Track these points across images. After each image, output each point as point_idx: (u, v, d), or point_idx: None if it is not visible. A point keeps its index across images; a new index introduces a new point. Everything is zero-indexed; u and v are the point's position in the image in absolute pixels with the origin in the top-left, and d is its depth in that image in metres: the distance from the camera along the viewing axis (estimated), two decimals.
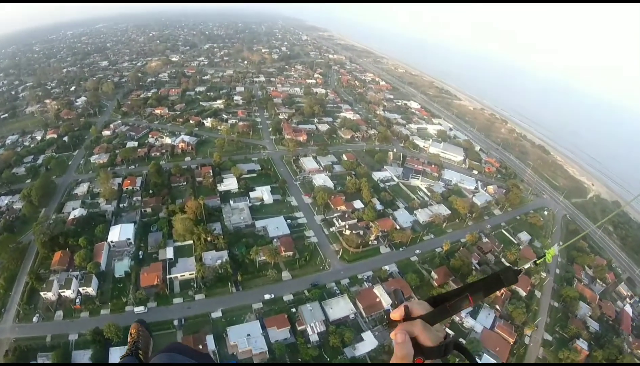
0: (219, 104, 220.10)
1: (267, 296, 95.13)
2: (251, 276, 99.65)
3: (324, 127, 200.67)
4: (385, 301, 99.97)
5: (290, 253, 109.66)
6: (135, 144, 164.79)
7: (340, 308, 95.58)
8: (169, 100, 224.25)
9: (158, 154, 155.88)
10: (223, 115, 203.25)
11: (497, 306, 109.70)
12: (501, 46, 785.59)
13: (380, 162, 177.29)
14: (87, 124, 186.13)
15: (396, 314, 4.19)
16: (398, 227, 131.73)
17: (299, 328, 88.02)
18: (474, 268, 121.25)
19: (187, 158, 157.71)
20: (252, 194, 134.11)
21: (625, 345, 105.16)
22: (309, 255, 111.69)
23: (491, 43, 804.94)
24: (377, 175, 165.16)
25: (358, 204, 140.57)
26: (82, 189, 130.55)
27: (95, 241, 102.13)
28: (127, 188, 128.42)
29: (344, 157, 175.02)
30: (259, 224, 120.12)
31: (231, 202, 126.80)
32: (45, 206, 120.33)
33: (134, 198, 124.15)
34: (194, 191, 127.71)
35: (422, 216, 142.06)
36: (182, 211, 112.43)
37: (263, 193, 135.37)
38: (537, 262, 4.46)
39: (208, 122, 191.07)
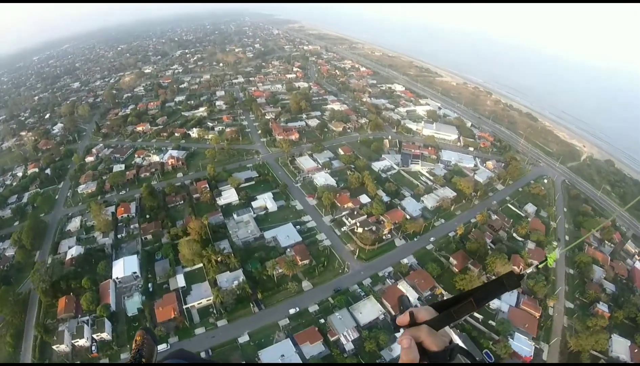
0: (201, 112, 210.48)
1: (292, 311, 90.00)
2: (271, 292, 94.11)
3: (313, 123, 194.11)
4: (412, 295, 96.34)
5: (306, 261, 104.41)
6: (122, 166, 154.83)
7: (369, 310, 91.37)
8: (149, 114, 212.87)
9: (148, 174, 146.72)
10: (208, 123, 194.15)
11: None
12: (474, 21, 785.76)
13: (377, 152, 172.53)
14: (69, 152, 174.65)
15: (402, 320, 4.30)
16: (408, 217, 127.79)
17: (331, 339, 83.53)
18: (489, 247, 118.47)
19: (179, 174, 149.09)
20: (254, 204, 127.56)
21: None
22: (326, 260, 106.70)
23: (464, 18, 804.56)
24: (376, 165, 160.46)
25: (364, 198, 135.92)
26: (74, 224, 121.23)
27: (99, 279, 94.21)
28: (122, 216, 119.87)
29: (340, 151, 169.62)
30: (268, 234, 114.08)
31: (234, 215, 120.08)
32: (39, 249, 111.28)
33: (131, 226, 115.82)
34: (193, 209, 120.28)
35: (430, 202, 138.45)
36: (184, 233, 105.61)
37: (266, 201, 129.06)
38: (539, 266, 4.43)
39: (194, 132, 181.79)
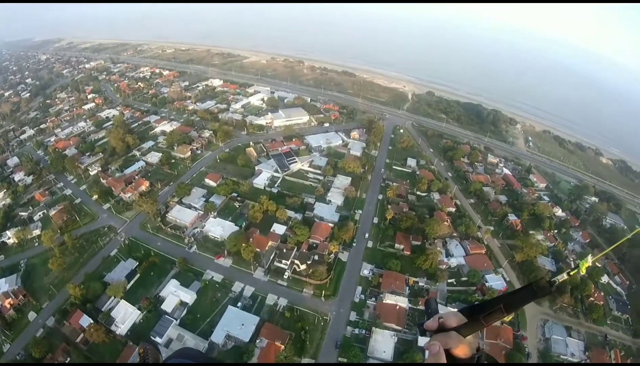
0: (1, 200, 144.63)
1: None
2: None
3: (154, 158, 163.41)
4: (402, 303, 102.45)
5: (287, 339, 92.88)
6: None
7: (385, 343, 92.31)
8: None
9: None
10: (20, 214, 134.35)
11: (455, 234, 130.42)
12: None
13: (248, 166, 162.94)
14: None
15: (430, 325, 4.60)
16: (332, 225, 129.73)
17: None
18: (414, 215, 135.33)
19: (31, 315, 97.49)
20: (166, 307, 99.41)
21: (526, 198, 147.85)
22: (302, 324, 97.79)
23: None
24: (259, 182, 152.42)
25: (279, 228, 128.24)
26: None
27: None
28: None
29: (209, 181, 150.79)
30: (218, 337, 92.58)
31: (156, 339, 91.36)
32: None
33: None
34: (94, 364, 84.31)
35: (337, 198, 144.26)
36: None
37: (178, 295, 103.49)
38: (572, 273, 4.62)
39: (10, 237, 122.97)
